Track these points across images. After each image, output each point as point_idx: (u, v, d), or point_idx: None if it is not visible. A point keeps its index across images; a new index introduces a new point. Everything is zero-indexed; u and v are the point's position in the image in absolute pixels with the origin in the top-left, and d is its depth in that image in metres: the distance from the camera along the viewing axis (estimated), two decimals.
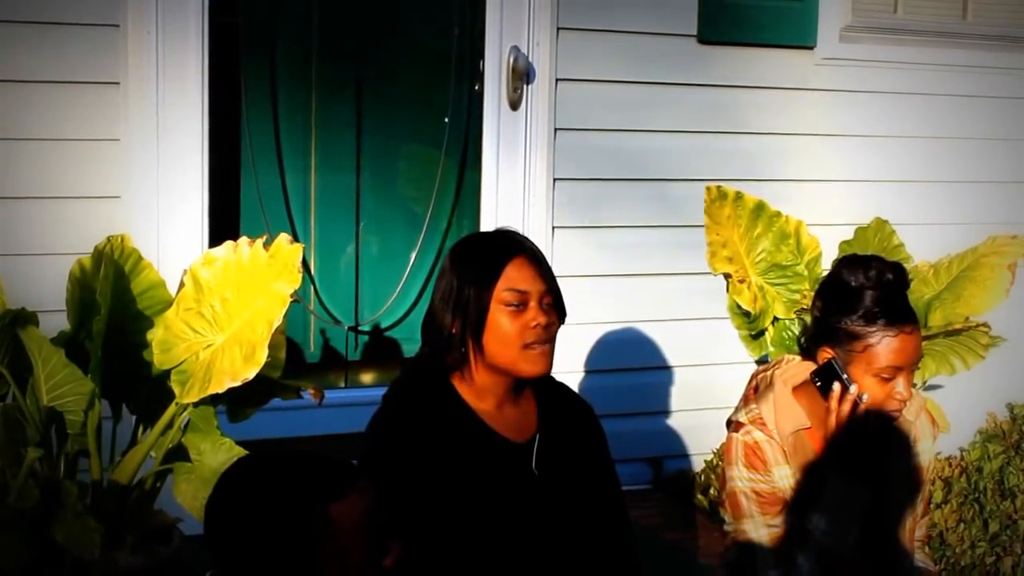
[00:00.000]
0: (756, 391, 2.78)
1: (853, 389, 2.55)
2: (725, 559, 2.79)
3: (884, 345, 2.54)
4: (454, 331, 2.51)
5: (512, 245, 2.55)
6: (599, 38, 4.39)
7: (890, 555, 2.74)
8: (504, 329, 2.48)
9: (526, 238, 2.62)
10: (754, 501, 2.65)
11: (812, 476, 2.64)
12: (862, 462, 2.59)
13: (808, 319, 2.77)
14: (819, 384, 2.60)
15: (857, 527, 2.59)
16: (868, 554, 2.67)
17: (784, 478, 2.65)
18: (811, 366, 2.65)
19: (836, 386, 2.57)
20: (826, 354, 2.60)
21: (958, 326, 3.95)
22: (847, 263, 2.65)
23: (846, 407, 2.55)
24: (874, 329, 2.54)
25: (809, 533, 2.60)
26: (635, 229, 4.51)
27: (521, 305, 2.49)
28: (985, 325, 3.97)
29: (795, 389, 2.69)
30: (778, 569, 2.62)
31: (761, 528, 2.65)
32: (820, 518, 2.58)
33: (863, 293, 2.56)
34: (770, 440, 2.65)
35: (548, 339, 2.51)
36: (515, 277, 2.50)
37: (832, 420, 2.56)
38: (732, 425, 2.73)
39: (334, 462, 1.94)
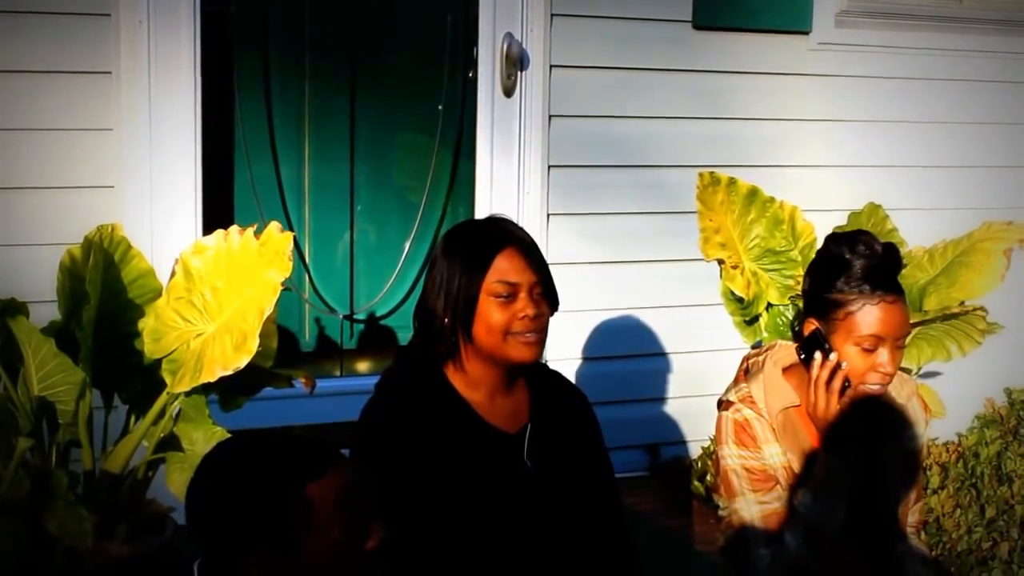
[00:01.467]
0: (747, 373, 2.78)
1: (833, 357, 2.54)
2: (721, 543, 2.78)
3: (865, 312, 2.52)
4: (445, 320, 2.50)
5: (503, 235, 2.54)
6: (593, 24, 4.37)
7: (882, 539, 2.73)
8: (493, 320, 2.47)
9: (518, 227, 2.60)
10: (745, 478, 2.64)
11: (802, 454, 2.64)
12: (849, 440, 2.58)
13: (802, 304, 2.76)
14: (803, 357, 2.59)
15: (844, 506, 2.59)
16: (858, 537, 2.67)
17: (774, 456, 2.64)
18: None
19: (817, 355, 2.55)
20: (811, 326, 2.59)
21: (955, 310, 3.94)
22: (834, 237, 2.65)
23: (824, 373, 2.54)
24: (855, 296, 2.52)
25: (795, 510, 2.59)
26: (630, 216, 4.50)
27: (511, 296, 2.47)
28: (982, 309, 3.96)
29: (785, 370, 2.69)
30: (768, 548, 2.62)
31: (753, 506, 2.64)
32: (806, 494, 2.58)
33: (846, 261, 2.55)
34: (759, 418, 2.65)
35: (538, 329, 2.50)
36: (505, 268, 2.48)
37: (812, 390, 2.55)
38: (722, 404, 2.73)
39: (311, 443, 1.95)
